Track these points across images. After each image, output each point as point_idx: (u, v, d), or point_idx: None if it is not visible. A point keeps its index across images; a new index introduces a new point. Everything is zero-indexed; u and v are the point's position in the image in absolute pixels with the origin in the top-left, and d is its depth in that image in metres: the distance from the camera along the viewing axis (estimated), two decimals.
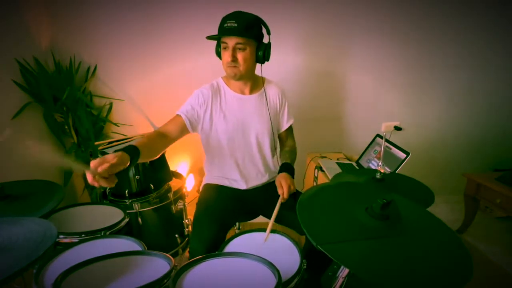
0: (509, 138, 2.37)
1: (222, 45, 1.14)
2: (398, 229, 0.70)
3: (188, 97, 1.23)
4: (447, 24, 2.07)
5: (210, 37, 1.15)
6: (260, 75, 1.30)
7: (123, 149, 0.85)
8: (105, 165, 0.74)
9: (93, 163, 0.74)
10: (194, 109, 1.19)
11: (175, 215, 1.52)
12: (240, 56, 1.13)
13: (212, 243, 1.01)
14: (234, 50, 1.11)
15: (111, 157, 0.77)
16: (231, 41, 1.10)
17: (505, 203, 1.71)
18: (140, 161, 0.93)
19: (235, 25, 1.07)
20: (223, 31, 1.09)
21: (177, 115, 1.19)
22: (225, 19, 1.10)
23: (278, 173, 1.19)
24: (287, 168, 1.19)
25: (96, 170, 0.73)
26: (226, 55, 1.13)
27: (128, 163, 0.83)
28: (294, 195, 1.19)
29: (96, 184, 0.75)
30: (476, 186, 1.91)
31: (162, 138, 1.11)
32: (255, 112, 1.26)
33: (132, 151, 0.87)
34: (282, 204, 1.14)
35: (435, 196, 1.00)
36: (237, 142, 1.26)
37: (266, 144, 1.30)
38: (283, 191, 1.08)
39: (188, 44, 1.93)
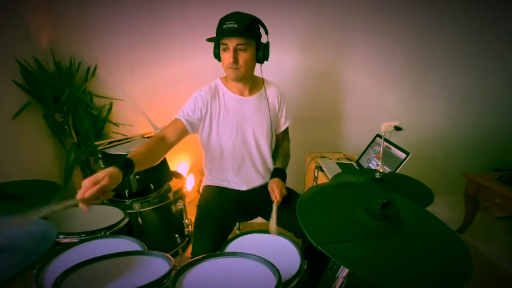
0: (509, 138, 2.37)
1: (222, 47, 1.12)
2: (398, 229, 0.70)
3: (188, 97, 1.23)
4: (447, 25, 2.07)
5: (210, 39, 1.13)
6: (259, 75, 1.29)
7: (116, 164, 0.84)
8: (93, 189, 0.74)
9: (82, 189, 0.74)
10: (194, 112, 1.19)
11: (175, 215, 1.52)
12: (241, 57, 1.12)
13: (214, 249, 1.02)
14: (235, 51, 1.10)
15: (101, 176, 0.76)
16: (231, 42, 1.09)
17: (505, 203, 1.71)
18: (138, 170, 0.92)
19: (235, 26, 1.05)
20: (224, 32, 1.08)
21: (176, 118, 1.18)
22: (223, 20, 1.09)
23: (270, 178, 1.22)
24: (278, 173, 1.23)
25: (85, 198, 0.73)
26: (227, 57, 1.12)
27: (120, 179, 0.82)
28: (290, 198, 1.19)
29: (85, 209, 0.75)
30: (476, 186, 1.91)
31: (162, 143, 1.11)
32: (254, 113, 1.25)
33: (125, 165, 0.86)
34: (279, 205, 1.15)
35: (435, 196, 1.00)
36: (237, 143, 1.26)
37: (265, 145, 1.29)
38: (275, 196, 1.11)
39: (188, 44, 1.93)
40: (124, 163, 0.86)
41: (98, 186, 0.75)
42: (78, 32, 1.84)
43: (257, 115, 1.26)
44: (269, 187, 1.16)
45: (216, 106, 1.22)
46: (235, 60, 1.11)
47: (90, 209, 0.75)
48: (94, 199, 0.75)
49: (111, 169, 0.80)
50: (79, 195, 0.74)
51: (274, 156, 1.35)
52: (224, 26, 1.07)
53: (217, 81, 1.27)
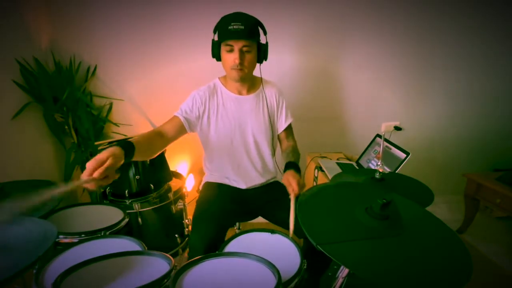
0: (509, 138, 2.37)
1: (226, 48, 1.11)
2: (398, 229, 0.70)
3: (187, 97, 1.24)
4: (447, 24, 2.07)
5: (219, 41, 1.11)
6: (258, 75, 1.30)
7: (117, 144, 0.84)
8: (101, 170, 0.73)
9: (86, 171, 0.73)
10: (192, 111, 1.20)
11: (175, 215, 1.52)
12: (246, 58, 1.12)
13: (212, 241, 1.01)
14: (241, 52, 1.11)
15: (104, 157, 0.75)
16: (238, 44, 1.09)
17: (505, 203, 1.71)
18: (137, 158, 0.91)
19: (242, 27, 1.06)
20: (231, 34, 1.07)
21: (175, 116, 1.19)
22: (228, 21, 1.08)
23: (284, 171, 1.13)
24: (292, 166, 1.14)
25: (93, 177, 0.72)
26: (232, 58, 1.12)
27: (123, 159, 0.82)
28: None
29: (94, 188, 0.74)
30: (476, 186, 1.91)
31: (160, 137, 1.10)
32: (252, 112, 1.26)
33: (126, 146, 0.86)
34: (280, 205, 1.14)
35: (435, 196, 1.00)
36: (235, 142, 1.26)
37: (264, 144, 1.29)
38: (293, 188, 1.03)
39: (188, 44, 1.92)
40: (126, 144, 0.86)
41: (104, 167, 0.73)
42: (78, 32, 1.84)
43: (255, 114, 1.26)
44: (284, 180, 1.08)
45: (214, 105, 1.22)
46: (242, 62, 1.11)
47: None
48: (102, 179, 0.74)
49: (113, 149, 0.80)
50: (84, 175, 0.72)
51: (284, 155, 1.29)
52: (230, 27, 1.06)
53: (215, 81, 1.28)
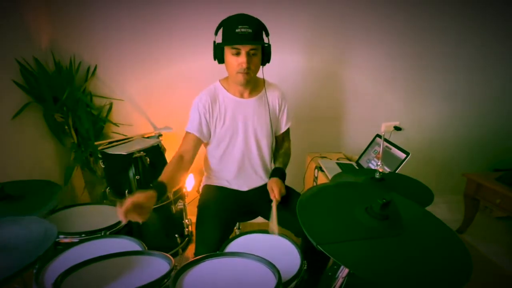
0: (509, 138, 2.37)
1: (232, 51, 1.08)
2: (398, 229, 0.70)
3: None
4: (447, 25, 2.07)
5: (224, 44, 1.10)
6: (261, 77, 1.29)
7: (152, 187, 0.94)
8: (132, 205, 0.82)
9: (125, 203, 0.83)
10: (200, 121, 1.19)
11: (175, 215, 1.52)
12: (252, 62, 1.11)
13: (217, 248, 1.01)
14: (249, 56, 1.09)
15: (139, 199, 0.86)
16: (245, 47, 1.07)
17: (505, 203, 1.71)
18: (168, 193, 1.03)
19: (250, 30, 1.04)
20: (240, 37, 1.05)
21: (187, 132, 1.20)
22: (234, 24, 1.05)
23: (270, 177, 1.22)
24: (278, 172, 1.23)
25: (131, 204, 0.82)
26: (239, 61, 1.09)
27: (155, 200, 0.92)
28: (290, 196, 1.19)
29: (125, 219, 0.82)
30: (476, 186, 1.91)
31: (181, 161, 1.14)
32: (254, 115, 1.25)
33: (159, 187, 0.96)
34: (278, 205, 1.15)
35: (435, 196, 1.00)
36: (237, 145, 1.26)
37: (265, 146, 1.29)
38: (274, 195, 1.11)
39: (188, 44, 1.92)
40: (158, 187, 0.96)
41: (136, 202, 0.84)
42: (78, 32, 1.84)
43: (257, 117, 1.25)
44: (268, 187, 1.17)
45: (217, 109, 1.22)
46: (249, 66, 1.10)
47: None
48: (133, 213, 0.84)
49: (148, 193, 0.90)
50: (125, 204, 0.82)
51: (275, 156, 1.35)
52: (237, 30, 1.04)
53: (216, 84, 1.26)
